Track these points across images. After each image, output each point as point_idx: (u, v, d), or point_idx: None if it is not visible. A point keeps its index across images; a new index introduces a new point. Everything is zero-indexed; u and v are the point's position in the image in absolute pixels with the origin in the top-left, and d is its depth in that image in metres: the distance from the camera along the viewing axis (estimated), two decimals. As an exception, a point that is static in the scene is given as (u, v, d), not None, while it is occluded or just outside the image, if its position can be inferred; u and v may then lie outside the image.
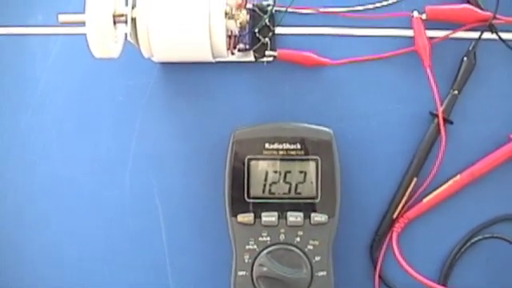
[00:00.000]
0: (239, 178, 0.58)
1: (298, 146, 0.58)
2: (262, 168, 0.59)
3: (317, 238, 0.58)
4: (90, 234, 0.65)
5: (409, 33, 0.63)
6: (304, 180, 0.58)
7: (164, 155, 0.65)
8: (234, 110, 0.65)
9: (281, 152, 0.58)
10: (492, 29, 0.62)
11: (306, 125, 0.59)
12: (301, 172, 0.58)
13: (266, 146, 0.58)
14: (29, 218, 0.65)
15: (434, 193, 0.63)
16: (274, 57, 0.63)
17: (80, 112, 0.66)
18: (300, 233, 0.58)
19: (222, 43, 0.57)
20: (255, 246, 0.58)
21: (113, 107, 0.65)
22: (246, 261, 0.58)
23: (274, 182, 0.59)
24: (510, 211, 0.64)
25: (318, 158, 0.58)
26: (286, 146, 0.58)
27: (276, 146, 0.58)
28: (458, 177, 0.62)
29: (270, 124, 0.60)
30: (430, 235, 0.64)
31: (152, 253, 0.65)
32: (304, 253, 0.58)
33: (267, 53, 0.63)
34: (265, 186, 0.59)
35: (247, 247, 0.58)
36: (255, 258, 0.58)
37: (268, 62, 0.64)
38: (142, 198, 0.65)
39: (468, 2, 0.63)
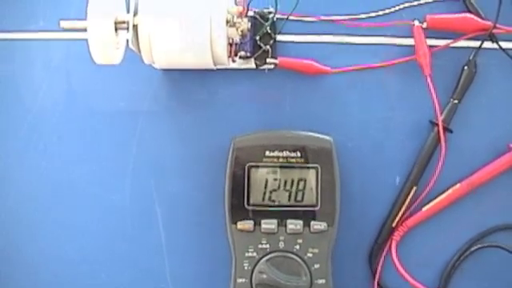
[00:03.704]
0: (239, 185, 0.59)
1: (299, 154, 0.58)
2: (262, 175, 0.59)
3: (316, 245, 0.58)
4: (89, 238, 0.65)
5: (409, 41, 0.63)
6: (304, 188, 0.58)
7: (164, 161, 0.65)
8: (234, 118, 0.65)
9: (281, 160, 0.58)
10: (492, 38, 0.63)
11: (306, 133, 0.59)
12: (301, 180, 0.58)
13: (267, 153, 0.58)
14: (29, 221, 0.65)
15: (434, 201, 0.63)
16: (275, 64, 0.63)
17: (81, 117, 0.66)
18: (299, 240, 0.58)
19: (223, 51, 0.57)
20: (255, 254, 0.58)
21: (114, 113, 0.65)
22: (246, 268, 0.58)
23: (274, 190, 0.59)
24: (509, 220, 0.64)
25: (318, 166, 0.58)
26: (287, 153, 0.58)
27: (276, 153, 0.58)
28: (458, 185, 0.62)
29: (270, 131, 0.60)
30: (429, 244, 0.64)
31: (151, 258, 0.65)
32: (303, 260, 0.58)
33: (268, 60, 0.63)
34: (265, 193, 0.59)
35: (247, 254, 0.58)
36: (255, 266, 0.58)
37: (269, 69, 0.64)
38: (142, 204, 0.65)
39: (469, 11, 0.63)
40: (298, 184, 0.59)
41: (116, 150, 0.65)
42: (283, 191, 0.59)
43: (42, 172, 0.65)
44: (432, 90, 0.61)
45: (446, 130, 0.62)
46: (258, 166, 0.59)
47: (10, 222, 0.65)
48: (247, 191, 0.59)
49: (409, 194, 0.62)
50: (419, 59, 0.62)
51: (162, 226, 0.65)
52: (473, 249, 0.63)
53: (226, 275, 0.59)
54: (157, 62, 0.59)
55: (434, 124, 0.62)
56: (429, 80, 0.61)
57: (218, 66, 0.60)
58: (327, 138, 0.59)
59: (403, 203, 0.63)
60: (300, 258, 0.58)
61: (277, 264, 0.58)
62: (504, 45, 0.63)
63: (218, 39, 0.57)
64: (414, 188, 0.62)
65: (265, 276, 0.58)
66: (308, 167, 0.58)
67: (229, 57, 0.60)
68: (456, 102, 0.63)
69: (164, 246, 0.65)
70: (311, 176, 0.58)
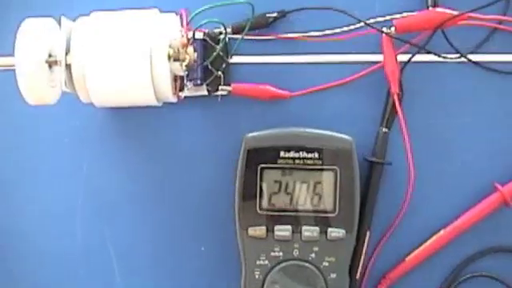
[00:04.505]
0: (251, 188, 0.55)
1: (316, 155, 0.55)
2: (276, 178, 0.55)
3: (333, 254, 0.55)
4: None
5: (376, 58, 0.59)
6: (321, 192, 0.55)
7: (114, 200, 0.61)
8: (187, 150, 0.61)
9: (297, 161, 0.55)
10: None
11: (324, 131, 0.56)
12: (318, 183, 0.55)
13: (281, 154, 0.55)
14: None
15: (417, 251, 0.59)
16: (229, 91, 0.59)
17: (21, 157, 0.61)
18: (315, 248, 0.55)
19: (167, 89, 0.54)
20: (267, 262, 0.55)
21: (58, 150, 0.61)
22: (257, 277, 0.55)
23: (289, 193, 0.55)
24: (495, 244, 0.60)
25: (337, 168, 0.55)
26: (303, 154, 0.55)
27: (292, 154, 0.55)
28: (442, 232, 0.59)
29: (284, 130, 0.56)
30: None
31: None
32: (319, 269, 0.55)
33: (221, 88, 0.59)
34: (278, 197, 0.55)
35: (258, 263, 0.55)
36: (266, 275, 0.55)
37: (223, 95, 0.59)
38: (95, 247, 0.61)
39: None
40: (314, 187, 0.55)
41: (62, 190, 0.61)
42: (298, 195, 0.55)
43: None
44: (399, 112, 0.57)
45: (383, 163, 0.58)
46: (271, 168, 0.55)
47: None
48: (259, 195, 0.55)
49: (363, 241, 0.58)
50: (387, 75, 0.58)
51: (117, 269, 0.61)
52: (460, 279, 0.60)
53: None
54: (95, 103, 0.54)
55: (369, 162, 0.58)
56: (396, 99, 0.57)
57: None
58: (347, 137, 0.55)
59: (360, 252, 0.58)
60: (315, 266, 0.55)
61: (290, 273, 0.55)
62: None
63: (161, 77, 0.53)
64: (368, 233, 0.58)
65: (277, 286, 0.55)
66: (326, 169, 0.55)
67: (174, 94, 0.56)
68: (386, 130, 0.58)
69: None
70: (329, 179, 0.55)
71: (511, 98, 0.60)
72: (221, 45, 0.58)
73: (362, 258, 0.58)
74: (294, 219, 0.55)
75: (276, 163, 0.55)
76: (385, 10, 0.59)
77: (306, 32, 0.59)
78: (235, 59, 0.60)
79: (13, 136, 0.61)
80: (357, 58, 0.60)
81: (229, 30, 0.58)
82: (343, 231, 0.55)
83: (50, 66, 0.51)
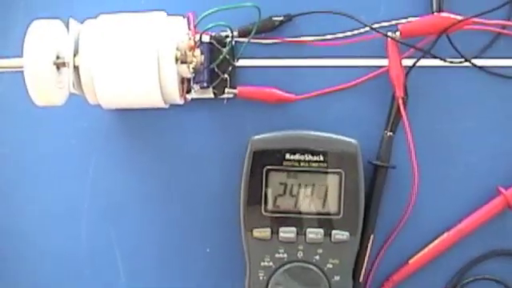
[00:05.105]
0: (256, 190, 0.55)
1: (321, 158, 0.55)
2: (282, 180, 0.55)
3: (337, 256, 0.55)
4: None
5: (380, 62, 0.60)
6: (326, 194, 0.55)
7: (121, 201, 0.61)
8: (193, 152, 0.61)
9: (302, 163, 0.55)
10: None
11: (329, 135, 0.56)
12: (322, 185, 0.55)
13: (287, 156, 0.55)
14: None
15: (420, 253, 0.59)
16: (235, 94, 0.59)
17: (28, 157, 0.61)
18: (319, 250, 0.55)
19: (174, 91, 0.54)
20: (271, 263, 0.55)
21: (65, 151, 0.61)
22: (261, 278, 0.55)
23: (294, 196, 0.55)
24: (498, 247, 0.60)
25: (342, 171, 0.55)
26: (308, 157, 0.55)
27: (297, 156, 0.55)
28: (445, 235, 0.59)
29: (290, 133, 0.56)
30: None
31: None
32: (323, 272, 0.55)
33: (227, 90, 0.59)
34: (283, 199, 0.55)
35: (262, 264, 0.55)
36: (271, 276, 0.55)
37: (229, 98, 0.60)
38: (100, 247, 0.61)
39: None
40: (319, 190, 0.55)
41: (68, 192, 0.61)
42: (303, 197, 0.55)
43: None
44: (404, 115, 0.57)
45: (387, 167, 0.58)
46: (277, 170, 0.55)
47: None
48: (264, 196, 0.55)
49: (367, 244, 0.58)
50: (392, 79, 0.58)
51: (123, 271, 0.61)
52: (463, 282, 0.60)
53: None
54: (102, 105, 0.55)
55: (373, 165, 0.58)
56: (400, 103, 0.57)
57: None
58: (352, 141, 0.55)
59: (364, 255, 0.58)
60: (319, 268, 0.55)
61: (294, 275, 0.55)
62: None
63: (168, 79, 0.53)
64: (372, 236, 0.58)
65: (281, 287, 0.55)
66: (331, 172, 0.55)
67: (181, 96, 0.56)
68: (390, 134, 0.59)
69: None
70: (334, 182, 0.55)
71: (515, 102, 0.60)
72: (227, 48, 0.58)
73: (366, 260, 0.58)
74: (299, 221, 0.55)
75: (281, 165, 0.55)
76: (390, 14, 0.59)
77: (311, 36, 0.60)
78: (241, 62, 0.60)
79: (20, 136, 0.61)
80: (362, 62, 0.60)
81: (235, 33, 0.59)
82: (347, 234, 0.55)
83: (58, 68, 0.51)
